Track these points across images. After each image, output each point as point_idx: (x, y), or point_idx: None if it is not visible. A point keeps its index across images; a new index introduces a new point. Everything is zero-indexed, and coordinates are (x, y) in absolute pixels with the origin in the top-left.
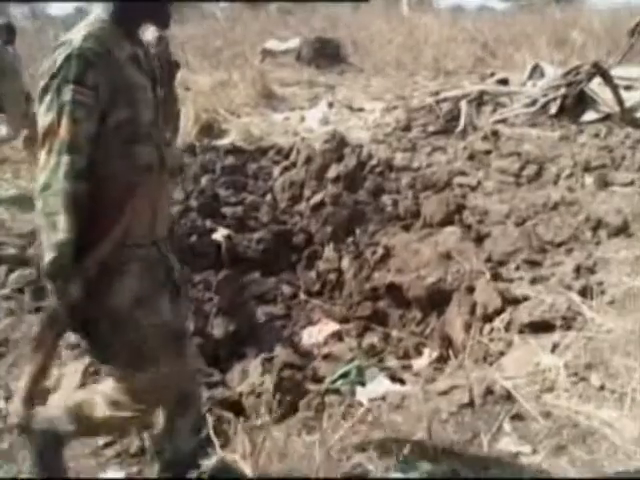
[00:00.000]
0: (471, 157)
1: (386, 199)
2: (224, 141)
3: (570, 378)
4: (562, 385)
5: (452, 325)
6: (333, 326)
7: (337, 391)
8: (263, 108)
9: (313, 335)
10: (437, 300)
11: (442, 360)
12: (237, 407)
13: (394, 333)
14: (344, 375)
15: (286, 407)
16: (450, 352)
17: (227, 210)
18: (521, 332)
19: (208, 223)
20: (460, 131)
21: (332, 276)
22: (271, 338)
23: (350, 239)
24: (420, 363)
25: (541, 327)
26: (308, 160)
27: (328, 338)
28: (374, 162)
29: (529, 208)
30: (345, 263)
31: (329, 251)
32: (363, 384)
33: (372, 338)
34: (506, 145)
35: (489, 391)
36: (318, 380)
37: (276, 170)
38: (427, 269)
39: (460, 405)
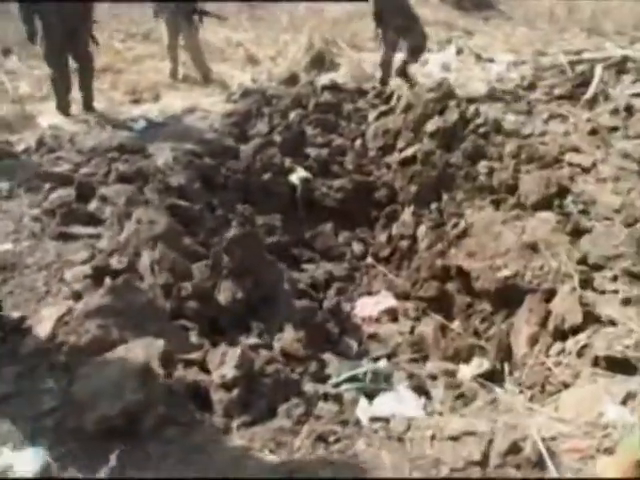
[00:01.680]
0: (593, 132)
1: (482, 166)
2: (332, 75)
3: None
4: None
5: (516, 334)
6: (391, 301)
7: (338, 398)
8: None
9: (368, 307)
10: (508, 299)
11: (492, 375)
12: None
13: (454, 325)
14: (353, 378)
15: (260, 411)
16: (505, 366)
17: (311, 151)
18: (594, 364)
19: (287, 162)
20: (588, 99)
21: (404, 243)
22: (290, 312)
23: (434, 205)
24: (465, 372)
25: (619, 365)
26: (408, 108)
27: (382, 314)
28: (480, 121)
29: None
30: (421, 231)
31: (408, 214)
32: (373, 395)
33: (427, 326)
34: (638, 124)
35: (515, 449)
36: (322, 379)
37: (372, 114)
38: (505, 259)
39: (468, 462)
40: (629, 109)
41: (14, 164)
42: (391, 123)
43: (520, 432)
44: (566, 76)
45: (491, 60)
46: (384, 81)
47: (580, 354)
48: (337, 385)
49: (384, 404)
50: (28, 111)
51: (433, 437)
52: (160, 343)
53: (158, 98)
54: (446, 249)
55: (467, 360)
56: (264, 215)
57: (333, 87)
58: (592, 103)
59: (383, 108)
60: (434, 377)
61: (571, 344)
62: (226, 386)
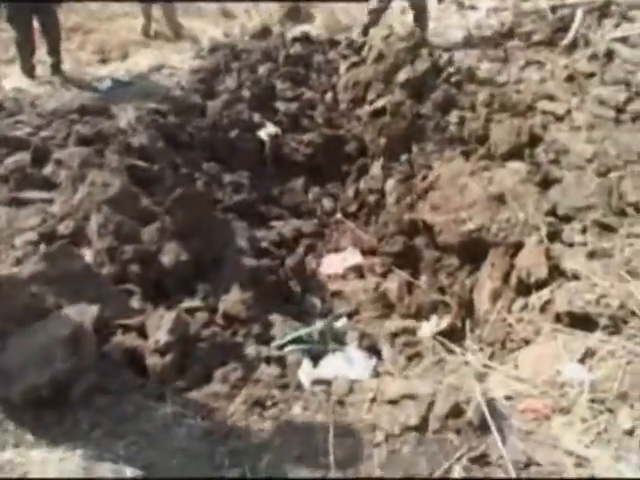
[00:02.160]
0: (570, 79)
1: (453, 116)
2: (306, 27)
3: (591, 407)
4: (577, 415)
5: (479, 290)
6: (357, 257)
7: (280, 361)
8: None
9: (334, 264)
10: (473, 253)
11: (453, 332)
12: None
13: (421, 280)
14: (299, 339)
15: (195, 376)
16: (467, 323)
17: (280, 105)
18: (557, 320)
19: (256, 117)
20: (567, 45)
21: (372, 198)
22: (238, 273)
23: (404, 157)
24: (425, 330)
25: (580, 321)
26: (379, 58)
27: (348, 271)
28: (452, 70)
29: (621, 155)
30: (390, 184)
31: (377, 167)
32: (320, 357)
33: (392, 283)
34: (616, 70)
35: (456, 411)
36: (267, 341)
37: (343, 66)
38: (470, 211)
39: (405, 427)
40: (609, 54)
41: None
42: (362, 74)
43: (464, 394)
44: (546, 21)
45: (473, 7)
46: (366, 30)
47: (543, 309)
48: (281, 347)
49: (328, 366)
50: None
51: (373, 400)
52: (94, 309)
53: (126, 57)
54: (415, 202)
55: (430, 317)
56: (231, 173)
57: (304, 39)
58: (571, 49)
59: (354, 59)
60: (395, 335)
61: (534, 299)
62: (160, 351)
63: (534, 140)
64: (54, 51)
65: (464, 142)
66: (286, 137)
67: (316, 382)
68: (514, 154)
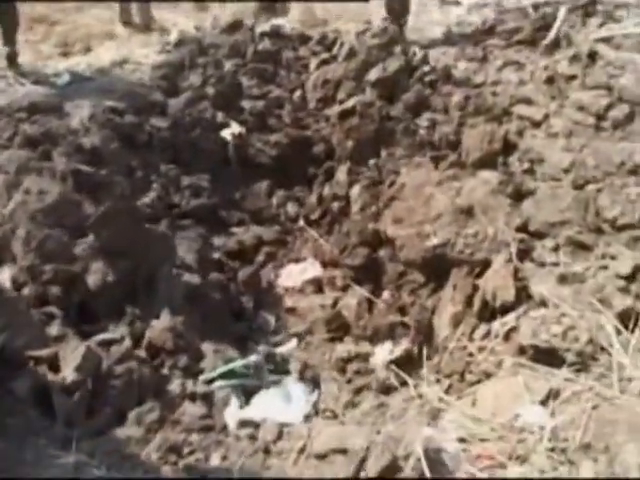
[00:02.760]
0: (550, 81)
1: (424, 119)
2: (280, 21)
3: (551, 456)
4: (535, 465)
5: (440, 313)
6: (317, 269)
7: (207, 397)
8: None
9: (292, 276)
10: (436, 270)
11: (409, 359)
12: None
13: (382, 297)
14: (230, 373)
15: (106, 418)
16: (424, 350)
17: (246, 103)
18: (520, 352)
19: (220, 116)
20: (548, 45)
21: (336, 204)
22: (173, 294)
23: (373, 161)
24: (377, 359)
25: (545, 356)
26: (350, 55)
27: (306, 284)
28: (426, 69)
29: (600, 166)
30: (355, 191)
31: (342, 172)
32: (254, 391)
33: (351, 299)
34: (599, 73)
35: (392, 469)
36: (196, 374)
37: (313, 63)
38: (435, 225)
39: None
40: (592, 56)
41: None
42: (332, 72)
43: (404, 447)
44: (528, 19)
45: (457, 2)
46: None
47: (507, 337)
48: (210, 382)
49: (260, 405)
50: None
51: (302, 450)
52: None
53: (90, 50)
54: (380, 211)
55: (387, 340)
56: (191, 175)
57: (273, 34)
58: (552, 49)
59: (325, 56)
60: (346, 360)
61: (497, 326)
62: (67, 390)
63: (508, 147)
64: (10, 42)
65: (434, 147)
66: (251, 137)
67: (243, 424)
68: (486, 162)
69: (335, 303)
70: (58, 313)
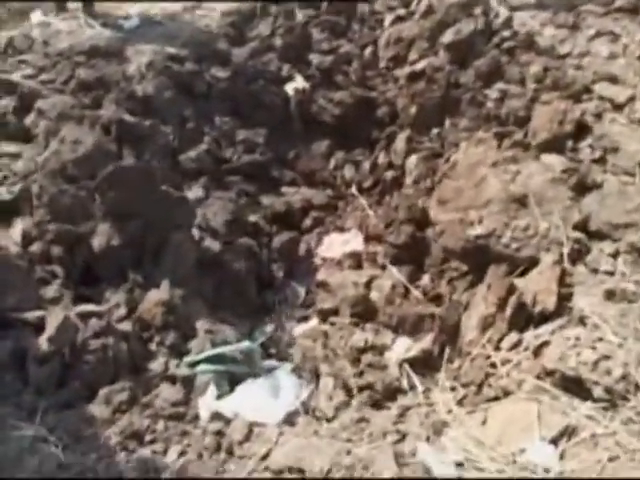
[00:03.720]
0: None
1: (495, 89)
2: None
3: None
4: None
5: (469, 312)
6: (359, 243)
7: (188, 382)
8: None
9: (334, 246)
10: (475, 263)
11: (428, 359)
12: None
13: (422, 280)
14: (218, 357)
15: (75, 393)
16: (445, 351)
17: (314, 58)
18: (546, 374)
19: (285, 69)
20: None
21: (390, 174)
22: (181, 262)
23: (436, 131)
24: (392, 354)
25: (571, 384)
26: (427, 13)
27: (345, 257)
28: (507, 33)
29: None
30: (411, 161)
31: (401, 140)
32: (239, 381)
33: (385, 281)
34: None
35: None
36: (185, 354)
37: (388, 19)
38: (481, 212)
39: None
40: None
41: None
42: (407, 30)
43: (376, 470)
44: None
45: None
46: None
47: (537, 353)
48: (195, 365)
49: (239, 397)
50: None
51: (264, 457)
52: None
53: None
54: (435, 187)
55: (412, 333)
56: (247, 129)
57: None
58: None
59: (401, 12)
60: (361, 351)
61: (530, 337)
62: (39, 359)
63: (581, 131)
64: None
65: (501, 122)
66: (316, 94)
67: (214, 417)
68: (553, 146)
69: (370, 282)
70: (60, 273)
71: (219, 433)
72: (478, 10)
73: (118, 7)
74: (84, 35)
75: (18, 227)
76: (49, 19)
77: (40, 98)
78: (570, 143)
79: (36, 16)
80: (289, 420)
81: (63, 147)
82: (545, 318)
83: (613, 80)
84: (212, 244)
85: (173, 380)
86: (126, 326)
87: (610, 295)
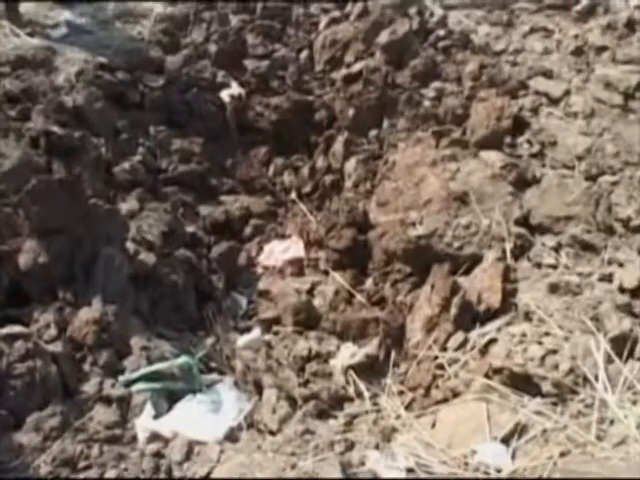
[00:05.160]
0: (577, 52)
1: (432, 89)
2: None
3: None
4: None
5: (414, 314)
6: (300, 249)
7: (123, 402)
8: None
9: (275, 254)
10: (418, 264)
11: (374, 364)
12: None
13: (365, 284)
14: (155, 375)
15: (3, 422)
16: (391, 356)
17: (249, 63)
18: (493, 372)
19: (220, 76)
20: (581, 10)
21: (329, 178)
22: (118, 279)
23: (374, 133)
24: (337, 361)
25: (519, 382)
26: (362, 14)
27: (286, 265)
28: (442, 32)
29: (620, 154)
30: (350, 165)
31: (339, 143)
32: (179, 398)
33: (328, 287)
34: (635, 46)
35: None
36: (120, 373)
37: (324, 21)
38: (422, 212)
39: None
40: (630, 25)
41: None
42: (342, 32)
43: None
44: None
45: None
46: None
47: (483, 352)
48: (131, 384)
49: (178, 415)
50: None
51: (206, 476)
52: None
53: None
54: (375, 189)
55: (357, 338)
56: (183, 138)
57: None
58: (586, 16)
59: (335, 14)
60: (305, 359)
61: (475, 336)
62: None
63: (518, 126)
64: None
65: (439, 121)
66: (252, 100)
67: (152, 438)
68: (491, 142)
69: (312, 289)
70: None
71: (158, 454)
72: (413, 10)
73: (45, 15)
74: (9, 44)
75: None
76: None
77: None
78: (508, 139)
79: None
80: (231, 436)
81: None
82: (491, 316)
83: (548, 75)
84: (147, 257)
85: (108, 401)
86: (56, 347)
87: (554, 288)
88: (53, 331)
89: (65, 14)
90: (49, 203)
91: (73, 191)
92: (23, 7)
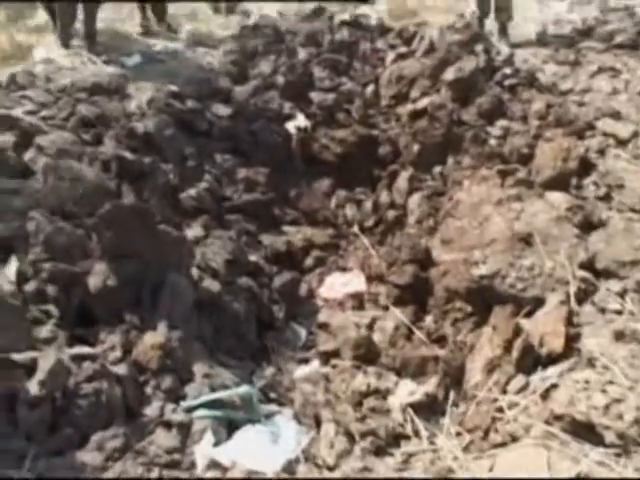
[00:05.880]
0: None
1: (497, 127)
2: (366, 10)
3: None
4: None
5: (474, 354)
6: (361, 283)
7: (184, 427)
8: None
9: (335, 287)
10: (479, 303)
11: (433, 403)
12: None
13: (425, 321)
14: (216, 402)
15: (67, 439)
16: (450, 396)
17: (316, 96)
18: (555, 418)
19: (287, 108)
20: None
21: (392, 213)
22: (183, 304)
23: (438, 169)
24: (396, 398)
25: (582, 430)
26: (429, 51)
27: (347, 298)
28: (508, 71)
29: None
30: (414, 201)
31: (403, 179)
32: (238, 427)
33: (388, 322)
34: None
35: None
36: (182, 398)
37: (390, 56)
38: (486, 252)
39: None
40: None
41: None
42: (408, 68)
43: None
44: (633, 20)
45: None
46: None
47: (545, 397)
48: (192, 410)
49: (237, 444)
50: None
51: None
52: None
53: (171, 30)
54: (438, 226)
55: (416, 376)
56: (248, 168)
57: (353, 23)
58: None
59: (402, 50)
60: (364, 395)
61: (537, 380)
62: (30, 403)
63: (585, 168)
64: (89, 19)
65: (504, 160)
66: (317, 132)
67: (211, 466)
68: (558, 183)
69: (372, 324)
70: (55, 313)
71: None
72: (479, 47)
73: (120, 45)
74: (86, 71)
75: (13, 265)
76: (52, 55)
77: (40, 134)
78: (574, 180)
79: (39, 52)
80: (289, 468)
81: (62, 184)
82: (553, 360)
83: (616, 116)
84: (211, 284)
85: (169, 426)
86: (121, 369)
87: (619, 335)
88: (118, 353)
89: (139, 43)
90: (121, 228)
91: (144, 217)
92: (101, 36)
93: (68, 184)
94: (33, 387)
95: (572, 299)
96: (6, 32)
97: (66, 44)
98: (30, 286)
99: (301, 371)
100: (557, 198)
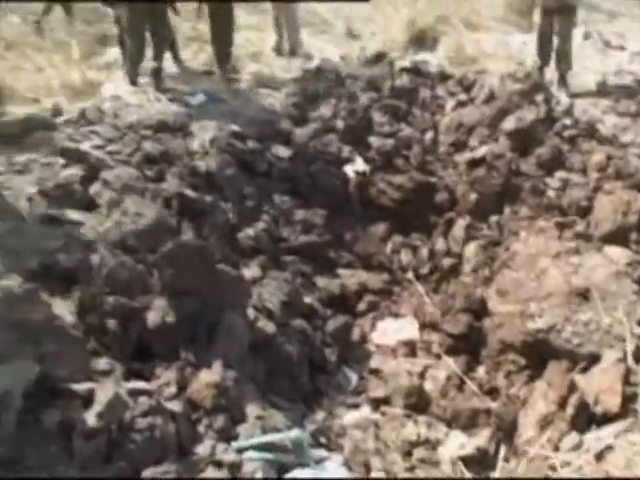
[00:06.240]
0: None
1: (556, 178)
2: (426, 56)
3: None
4: None
5: (527, 409)
6: (414, 331)
7: (234, 467)
8: (509, 26)
9: (388, 333)
10: (534, 357)
11: (483, 457)
12: None
13: (478, 372)
14: (267, 445)
15: (120, 471)
16: (501, 450)
17: (375, 141)
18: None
19: (346, 151)
20: None
21: (447, 261)
22: (239, 345)
23: (495, 218)
24: (446, 450)
25: None
26: (489, 99)
27: (400, 345)
28: (568, 121)
29: None
30: (470, 249)
31: (459, 227)
32: (287, 470)
33: (440, 371)
34: None
35: None
36: (233, 438)
37: (449, 104)
38: (542, 305)
39: None
40: None
41: (46, 136)
42: (467, 115)
43: None
44: None
45: (621, 47)
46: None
47: (599, 457)
48: (241, 451)
49: None
50: (96, 78)
51: None
52: (32, 370)
53: (235, 70)
54: (494, 276)
55: (467, 428)
56: (306, 209)
57: (413, 70)
58: None
59: (462, 97)
60: (414, 444)
61: (591, 440)
62: (86, 434)
63: None
64: (157, 57)
65: (562, 212)
66: (375, 177)
67: None
68: (617, 237)
69: (424, 372)
70: (113, 346)
71: None
72: (539, 97)
73: (185, 83)
74: (152, 109)
75: (75, 296)
76: (120, 92)
77: (106, 168)
78: (634, 235)
79: (108, 89)
80: None
81: (125, 218)
82: (608, 419)
83: None
84: (267, 325)
85: (219, 465)
86: (175, 406)
87: None
88: (173, 389)
89: (203, 83)
90: (182, 265)
91: (204, 255)
92: (166, 76)
93: (131, 219)
94: (90, 418)
95: (629, 357)
96: (78, 68)
97: (134, 81)
98: (90, 318)
99: (351, 416)
100: (616, 253)
